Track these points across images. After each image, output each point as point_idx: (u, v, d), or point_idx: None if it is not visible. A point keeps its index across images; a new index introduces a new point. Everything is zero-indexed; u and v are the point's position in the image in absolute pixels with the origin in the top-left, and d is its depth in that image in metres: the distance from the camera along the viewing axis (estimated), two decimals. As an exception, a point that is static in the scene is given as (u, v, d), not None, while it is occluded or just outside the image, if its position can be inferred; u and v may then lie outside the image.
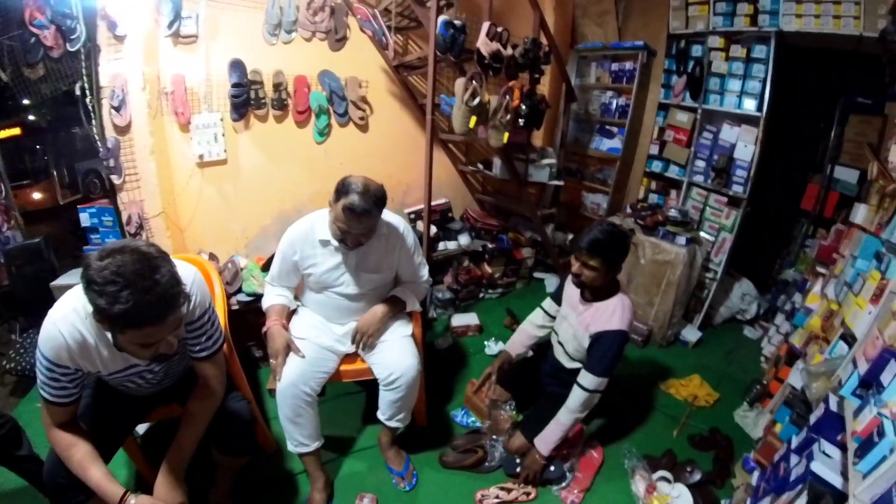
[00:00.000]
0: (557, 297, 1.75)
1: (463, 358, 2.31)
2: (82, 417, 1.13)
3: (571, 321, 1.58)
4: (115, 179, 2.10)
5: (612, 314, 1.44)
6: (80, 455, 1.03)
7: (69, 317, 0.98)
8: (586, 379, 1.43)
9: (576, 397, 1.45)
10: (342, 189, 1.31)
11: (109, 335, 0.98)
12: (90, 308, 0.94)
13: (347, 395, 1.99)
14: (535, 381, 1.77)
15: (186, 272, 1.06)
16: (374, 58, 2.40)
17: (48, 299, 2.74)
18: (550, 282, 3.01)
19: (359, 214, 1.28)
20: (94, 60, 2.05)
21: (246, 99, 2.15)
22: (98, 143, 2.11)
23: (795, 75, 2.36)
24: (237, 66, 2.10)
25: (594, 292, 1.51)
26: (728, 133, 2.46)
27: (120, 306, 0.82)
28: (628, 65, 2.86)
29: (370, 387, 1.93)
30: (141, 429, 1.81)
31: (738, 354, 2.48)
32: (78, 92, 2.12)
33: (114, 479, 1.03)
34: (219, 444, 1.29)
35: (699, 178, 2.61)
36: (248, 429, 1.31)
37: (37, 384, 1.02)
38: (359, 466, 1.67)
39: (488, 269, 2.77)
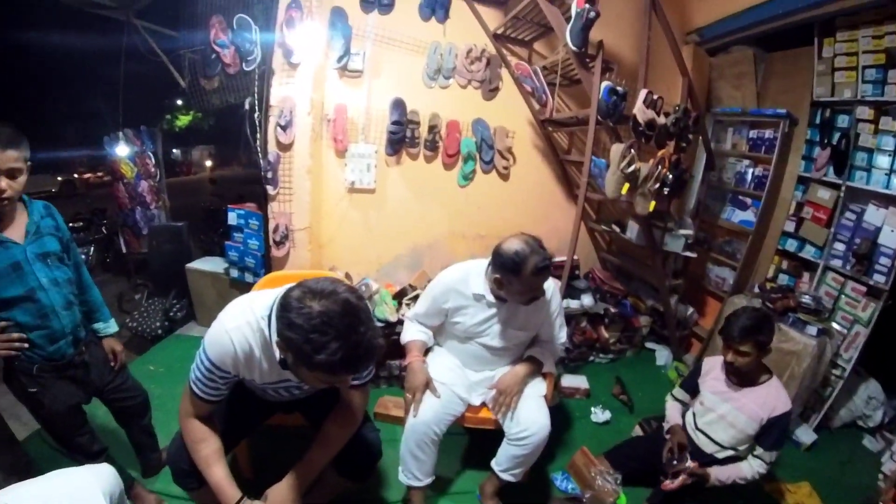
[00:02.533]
0: (690, 388, 1.74)
1: (568, 420, 2.28)
2: (217, 410, 1.16)
3: (722, 411, 1.57)
4: (270, 190, 2.32)
5: (777, 396, 1.50)
6: (208, 452, 1.07)
7: (243, 329, 1.02)
8: (767, 455, 1.52)
9: (754, 469, 1.52)
10: (518, 259, 1.31)
11: (278, 353, 0.96)
12: (263, 325, 1.00)
13: (450, 435, 1.98)
14: (651, 464, 1.71)
15: None
16: (522, 110, 2.50)
17: (180, 277, 3.10)
18: (661, 354, 2.90)
19: (547, 269, 1.33)
20: (267, 82, 2.30)
21: (402, 136, 2.31)
22: (259, 155, 2.36)
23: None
24: (398, 105, 2.27)
25: (745, 377, 1.54)
26: (873, 215, 2.25)
27: (326, 356, 0.82)
28: (768, 133, 2.71)
29: (473, 431, 1.95)
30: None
31: (855, 466, 2.23)
32: (247, 107, 2.39)
33: (233, 481, 1.06)
34: (340, 467, 1.30)
35: (837, 263, 2.39)
36: (375, 460, 1.35)
37: (190, 378, 1.08)
38: (454, 509, 1.69)
39: (605, 334, 2.71)
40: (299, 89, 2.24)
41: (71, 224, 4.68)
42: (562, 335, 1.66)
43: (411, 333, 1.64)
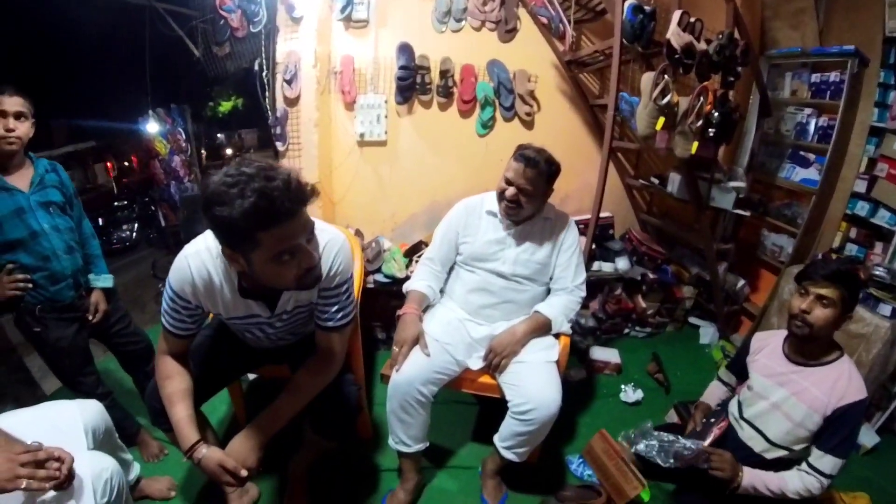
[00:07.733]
0: (737, 370, 1.42)
1: (594, 398, 2.06)
2: (195, 351, 1.17)
3: (776, 399, 1.20)
4: (279, 146, 2.28)
5: (850, 379, 1.11)
6: (172, 389, 1.05)
7: (201, 254, 1.01)
8: (826, 463, 1.10)
9: (806, 483, 1.11)
10: (518, 147, 1.39)
11: (235, 280, 1.00)
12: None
13: (459, 403, 1.87)
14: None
15: (335, 238, 1.06)
16: (544, 52, 2.26)
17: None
18: (706, 331, 2.58)
19: (527, 160, 1.32)
20: (273, 39, 2.24)
21: (412, 83, 2.18)
22: (269, 111, 2.31)
23: None
24: (405, 49, 2.14)
25: (810, 350, 1.17)
26: (962, 171, 1.86)
27: (246, 201, 0.77)
28: (833, 76, 2.32)
29: (484, 400, 1.78)
30: (250, 375, 1.88)
31: (924, 479, 1.83)
32: (256, 67, 2.35)
33: (193, 423, 1.02)
34: (314, 423, 1.24)
35: (917, 230, 2.01)
36: (351, 417, 1.26)
37: (161, 311, 1.08)
38: (450, 484, 1.56)
39: (642, 304, 2.43)
40: (303, 43, 2.16)
41: (115, 203, 5.05)
42: (579, 279, 1.50)
43: (415, 283, 1.54)
